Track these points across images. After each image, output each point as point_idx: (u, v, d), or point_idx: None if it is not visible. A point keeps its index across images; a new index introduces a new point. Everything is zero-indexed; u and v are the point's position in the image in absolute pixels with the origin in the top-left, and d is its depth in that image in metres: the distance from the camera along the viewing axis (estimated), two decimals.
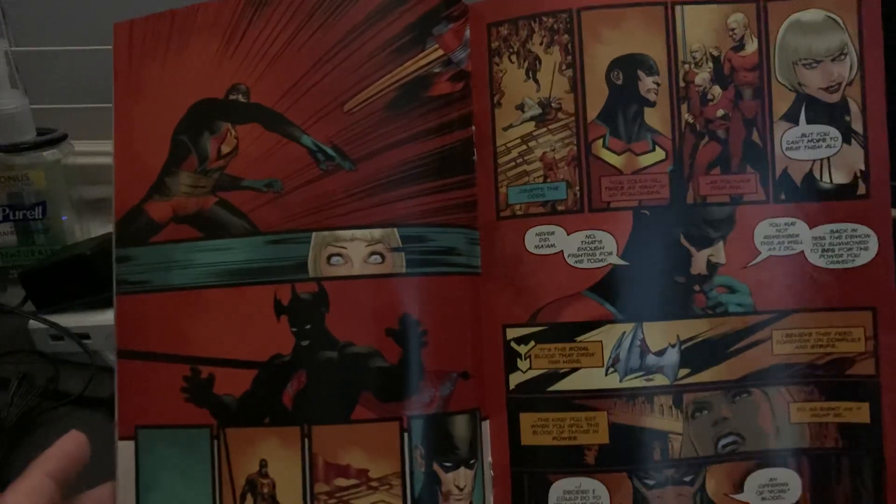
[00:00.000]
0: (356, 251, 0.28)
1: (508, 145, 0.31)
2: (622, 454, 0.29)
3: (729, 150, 0.30)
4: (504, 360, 0.30)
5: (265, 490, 0.28)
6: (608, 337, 0.29)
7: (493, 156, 0.31)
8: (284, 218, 0.29)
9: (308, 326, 0.28)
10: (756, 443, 0.30)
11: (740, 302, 0.30)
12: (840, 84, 0.30)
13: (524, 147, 0.30)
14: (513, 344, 0.30)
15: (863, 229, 0.30)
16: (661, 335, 0.30)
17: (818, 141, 0.30)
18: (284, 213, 0.29)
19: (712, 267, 0.30)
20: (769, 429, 0.30)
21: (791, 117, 0.30)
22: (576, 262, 0.30)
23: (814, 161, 0.30)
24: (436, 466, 0.28)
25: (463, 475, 0.28)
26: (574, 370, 0.29)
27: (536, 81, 0.30)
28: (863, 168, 0.30)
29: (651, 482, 0.29)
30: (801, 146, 0.30)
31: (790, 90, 0.30)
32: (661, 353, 0.30)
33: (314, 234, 0.28)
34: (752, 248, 0.30)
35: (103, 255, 0.55)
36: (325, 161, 0.29)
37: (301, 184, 0.29)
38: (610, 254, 0.30)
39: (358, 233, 0.28)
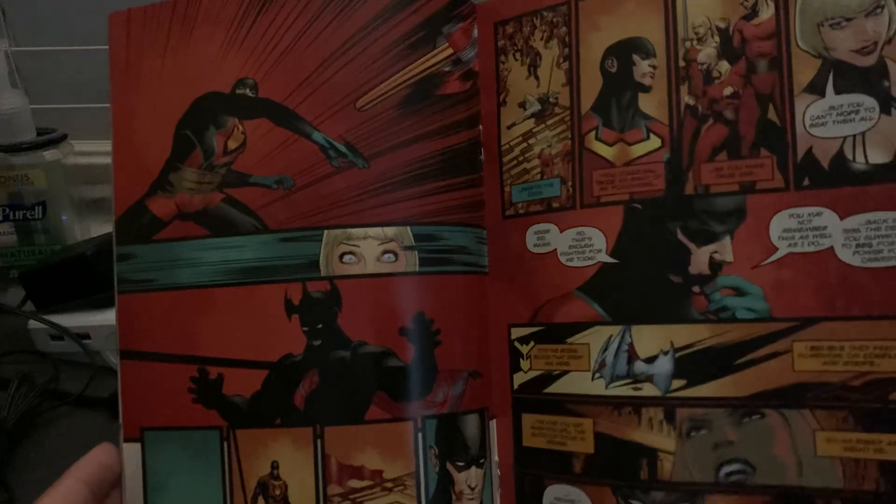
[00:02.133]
0: (369, 249, 0.27)
1: (511, 143, 0.30)
2: (607, 467, 0.27)
3: (738, 132, 0.26)
4: (509, 359, 0.29)
5: (277, 492, 0.26)
6: (595, 339, 0.27)
7: (499, 154, 0.30)
8: (295, 215, 0.28)
9: (320, 326, 0.27)
10: (771, 475, 0.25)
11: (752, 306, 0.26)
12: (876, 43, 0.25)
13: (525, 145, 0.29)
14: (516, 343, 0.29)
15: None
16: (652, 340, 0.26)
17: (850, 113, 0.25)
18: (295, 211, 0.28)
19: (716, 266, 0.26)
20: (788, 461, 0.25)
21: (816, 88, 0.25)
22: (567, 260, 0.28)
23: (845, 138, 0.25)
24: (449, 466, 0.27)
25: (475, 475, 0.28)
26: (565, 373, 0.28)
27: (537, 77, 0.29)
28: None
29: (636, 503, 0.26)
30: (829, 121, 0.25)
31: (815, 57, 0.25)
32: (651, 361, 0.26)
33: (326, 231, 0.27)
34: (768, 244, 0.25)
35: (103, 255, 0.54)
36: (338, 158, 0.28)
37: (312, 181, 0.28)
38: (599, 251, 0.27)
39: (371, 231, 0.27)
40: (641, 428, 0.26)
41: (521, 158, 0.29)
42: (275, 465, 0.27)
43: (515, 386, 0.29)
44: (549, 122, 0.29)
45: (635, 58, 0.27)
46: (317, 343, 0.27)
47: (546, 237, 0.28)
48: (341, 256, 0.27)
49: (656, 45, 0.27)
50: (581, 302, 0.28)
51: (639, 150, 0.27)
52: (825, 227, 0.25)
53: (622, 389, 0.27)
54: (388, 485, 0.26)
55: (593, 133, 0.28)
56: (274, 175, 0.28)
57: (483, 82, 0.30)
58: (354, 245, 0.27)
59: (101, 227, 0.65)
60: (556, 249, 0.28)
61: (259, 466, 0.27)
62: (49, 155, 0.60)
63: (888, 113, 0.25)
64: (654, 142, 0.27)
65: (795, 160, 0.26)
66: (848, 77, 0.25)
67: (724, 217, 0.26)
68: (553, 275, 0.28)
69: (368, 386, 0.27)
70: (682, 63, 0.27)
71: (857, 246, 0.25)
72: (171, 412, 0.27)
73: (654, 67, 0.27)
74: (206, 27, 0.29)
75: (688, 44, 0.27)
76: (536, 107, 0.29)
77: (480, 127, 0.30)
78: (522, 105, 0.29)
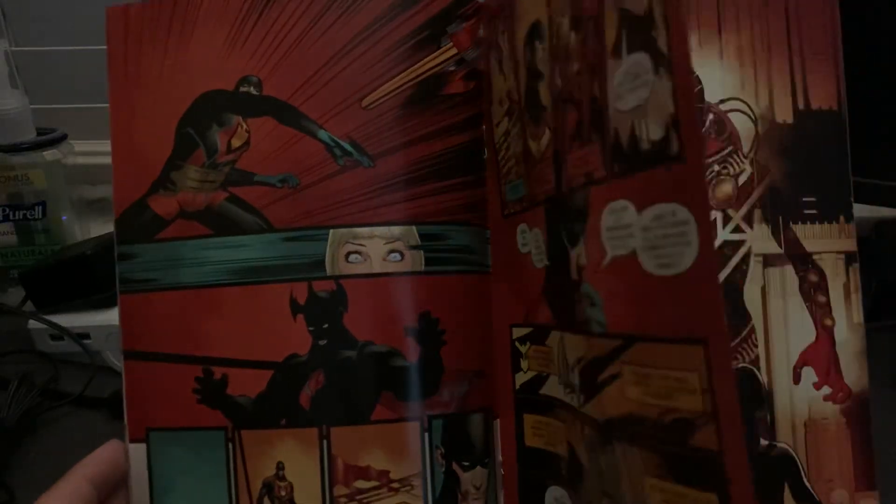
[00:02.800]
0: (375, 249, 0.27)
1: (499, 142, 0.29)
2: (575, 473, 0.25)
3: (582, 115, 0.22)
4: (511, 359, 0.29)
5: (282, 493, 0.26)
6: (554, 344, 0.25)
7: (495, 154, 0.29)
8: (300, 214, 0.27)
9: (326, 325, 0.26)
10: None
11: (598, 319, 0.21)
12: None
13: (506, 143, 0.28)
14: (516, 343, 0.29)
15: (681, 212, 0.18)
16: (571, 349, 0.23)
17: (635, 78, 0.19)
18: (300, 210, 0.27)
19: (581, 270, 0.22)
20: (623, 501, 0.21)
21: (618, 50, 0.20)
22: (535, 261, 0.26)
23: (634, 111, 0.20)
24: (455, 466, 0.27)
25: (480, 474, 0.27)
26: (549, 375, 0.26)
27: (504, 74, 0.27)
28: (673, 111, 0.18)
29: None
30: (624, 91, 0.20)
31: (615, 9, 0.20)
32: (572, 370, 0.24)
33: (331, 231, 0.27)
34: (601, 246, 0.21)
35: (103, 255, 0.54)
36: (343, 157, 0.27)
37: (317, 179, 0.27)
38: (544, 253, 0.25)
39: (377, 230, 0.27)
40: (577, 439, 0.24)
41: (506, 157, 0.29)
42: (280, 466, 0.26)
43: (517, 386, 0.28)
44: (513, 120, 0.27)
45: (536, 44, 0.24)
46: (322, 343, 0.26)
47: (526, 237, 0.27)
48: (347, 256, 0.27)
49: (545, 26, 0.23)
50: (544, 304, 0.26)
51: (543, 144, 0.24)
52: (630, 225, 0.20)
53: (569, 397, 0.25)
54: (395, 485, 0.26)
55: (528, 129, 0.26)
56: (278, 174, 0.27)
57: (486, 81, 0.30)
58: (360, 244, 0.27)
59: (101, 227, 0.64)
60: (531, 251, 0.27)
61: (264, 467, 0.26)
62: (49, 155, 0.59)
63: (657, 72, 0.19)
64: (548, 134, 0.24)
65: (609, 142, 0.21)
66: (633, 31, 0.19)
67: (579, 214, 0.22)
68: (531, 276, 0.27)
69: (375, 386, 0.26)
70: (554, 42, 0.23)
71: (651, 248, 0.19)
72: (176, 413, 0.27)
73: (544, 51, 0.24)
74: (208, 24, 0.28)
75: (559, 19, 0.23)
76: (507, 104, 0.28)
77: (484, 126, 0.29)
78: (500, 102, 0.28)
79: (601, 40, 0.20)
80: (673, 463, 0.19)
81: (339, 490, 0.26)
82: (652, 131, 0.19)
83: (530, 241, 0.27)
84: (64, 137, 0.61)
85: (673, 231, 0.18)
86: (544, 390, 0.27)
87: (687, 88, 0.18)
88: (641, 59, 0.19)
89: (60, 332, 0.51)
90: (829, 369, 0.28)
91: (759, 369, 0.29)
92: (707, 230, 0.17)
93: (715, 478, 0.18)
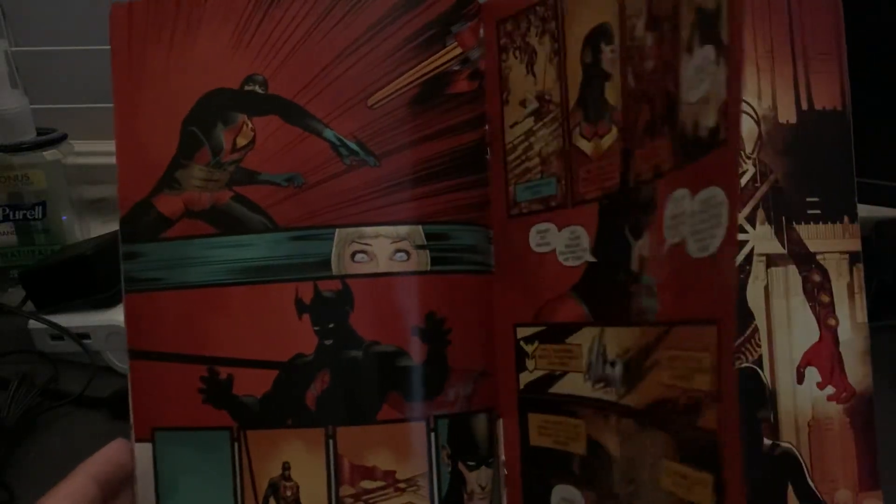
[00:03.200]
0: (381, 248, 0.27)
1: (514, 142, 0.29)
2: (593, 470, 0.25)
3: (655, 109, 0.23)
4: (515, 359, 0.29)
5: (288, 493, 0.26)
6: (586, 340, 0.26)
7: (503, 154, 0.29)
8: (305, 214, 0.27)
9: (331, 325, 0.26)
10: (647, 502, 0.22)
11: (653, 308, 0.22)
12: None
13: (526, 143, 0.29)
14: (522, 343, 0.28)
15: (720, 194, 0.19)
16: (614, 342, 0.25)
17: (702, 70, 0.20)
18: (305, 209, 0.27)
19: (643, 262, 0.23)
20: (652, 486, 0.21)
21: (691, 46, 0.21)
22: (564, 259, 0.27)
23: (700, 101, 0.21)
24: (461, 466, 0.27)
25: (485, 474, 0.27)
26: (565, 373, 0.27)
27: (534, 75, 0.28)
28: (725, 97, 0.19)
29: None
30: (696, 82, 0.20)
31: (692, 9, 0.21)
32: (613, 364, 0.25)
33: (337, 230, 0.27)
34: (662, 235, 0.22)
35: (104, 255, 0.54)
36: (349, 156, 0.27)
37: (323, 179, 0.27)
38: (585, 250, 0.27)
39: (383, 230, 0.27)
40: (607, 433, 0.25)
41: (523, 157, 0.29)
42: (286, 466, 0.26)
43: (521, 385, 0.28)
44: (545, 120, 0.28)
45: (602, 45, 0.26)
46: (328, 343, 0.26)
47: (547, 236, 0.28)
48: (353, 255, 0.27)
49: (614, 29, 0.25)
50: (574, 302, 0.27)
51: (605, 143, 0.26)
52: (684, 213, 0.21)
53: (600, 392, 0.25)
54: (401, 485, 0.26)
55: (578, 129, 0.27)
56: (284, 173, 0.27)
57: (488, 81, 0.29)
58: (366, 244, 0.27)
59: (101, 227, 0.64)
60: (555, 249, 0.28)
61: (270, 467, 0.26)
62: (49, 155, 0.59)
63: (718, 63, 0.19)
64: (614, 133, 0.25)
65: (678, 135, 0.21)
66: (704, 25, 0.20)
67: (646, 207, 0.23)
68: (552, 274, 0.27)
69: (381, 386, 0.26)
70: (628, 43, 0.24)
71: (695, 232, 0.20)
72: (182, 412, 0.27)
73: (613, 52, 0.25)
74: (213, 22, 0.28)
75: (632, 20, 0.24)
76: (535, 105, 0.28)
77: (487, 126, 0.29)
78: (523, 103, 0.29)
79: (677, 37, 0.21)
80: (682, 444, 0.20)
81: (346, 490, 0.26)
82: (710, 120, 0.20)
83: (556, 239, 0.27)
84: (64, 137, 0.61)
85: (712, 213, 0.19)
86: (556, 389, 0.27)
87: (739, 73, 0.18)
88: (708, 51, 0.20)
89: (60, 332, 0.51)
90: (832, 369, 0.29)
91: (762, 369, 0.29)
92: (734, 209, 0.18)
93: (713, 458, 0.18)
